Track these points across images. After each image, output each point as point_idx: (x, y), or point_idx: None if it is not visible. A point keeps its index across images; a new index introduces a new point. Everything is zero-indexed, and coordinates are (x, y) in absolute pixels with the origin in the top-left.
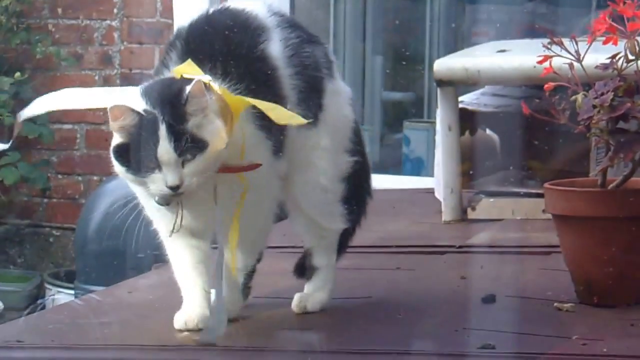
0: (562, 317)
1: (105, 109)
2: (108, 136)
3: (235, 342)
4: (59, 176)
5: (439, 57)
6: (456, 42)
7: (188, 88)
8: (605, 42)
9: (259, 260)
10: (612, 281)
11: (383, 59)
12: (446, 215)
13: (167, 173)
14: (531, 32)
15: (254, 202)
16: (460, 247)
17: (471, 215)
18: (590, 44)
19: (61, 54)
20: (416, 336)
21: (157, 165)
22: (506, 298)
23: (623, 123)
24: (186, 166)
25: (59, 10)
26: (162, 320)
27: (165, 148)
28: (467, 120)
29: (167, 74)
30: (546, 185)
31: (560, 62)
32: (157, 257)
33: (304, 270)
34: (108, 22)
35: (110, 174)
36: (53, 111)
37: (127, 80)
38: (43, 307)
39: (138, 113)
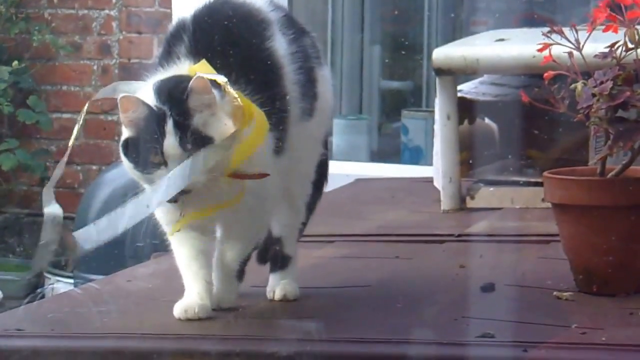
0: (562, 305)
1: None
2: (107, 125)
3: (233, 331)
4: None
5: (437, 46)
6: (455, 32)
7: (190, 83)
8: (604, 31)
9: (254, 249)
10: (611, 270)
11: (381, 48)
12: (445, 204)
13: (172, 168)
14: (530, 21)
15: (256, 201)
16: (459, 235)
17: (470, 204)
18: (590, 32)
19: (58, 42)
20: (415, 325)
21: (164, 161)
22: (505, 287)
23: (622, 112)
24: (188, 163)
25: (56, 0)
26: (161, 309)
27: (171, 143)
28: (465, 109)
29: (174, 67)
30: (545, 174)
31: (559, 50)
32: (157, 246)
33: (266, 257)
34: (106, 11)
35: (109, 163)
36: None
37: (126, 70)
38: (42, 296)
39: (148, 106)
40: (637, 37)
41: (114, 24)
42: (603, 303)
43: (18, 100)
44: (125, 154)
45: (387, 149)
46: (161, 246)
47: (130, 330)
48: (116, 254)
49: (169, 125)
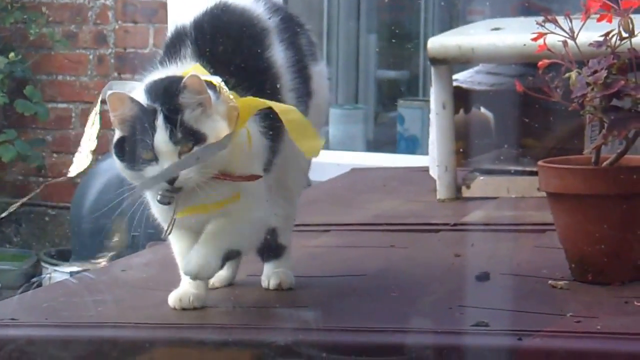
0: (557, 294)
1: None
2: (103, 115)
3: (229, 319)
4: (54, 155)
5: (434, 35)
6: (451, 21)
7: (184, 80)
8: (599, 20)
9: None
10: (606, 259)
11: (377, 38)
12: (441, 194)
13: (163, 164)
14: (526, 10)
15: (250, 203)
16: (454, 225)
17: (466, 193)
18: (584, 21)
19: (55, 35)
20: (410, 313)
21: (154, 157)
22: (500, 276)
23: (617, 100)
24: (183, 158)
25: None
26: (156, 299)
27: (162, 137)
28: (461, 98)
29: (171, 69)
30: (540, 163)
31: (554, 39)
32: (152, 236)
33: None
34: (102, 1)
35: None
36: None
37: (122, 59)
38: (39, 285)
39: (137, 102)
40: (631, 26)
41: (109, 14)
42: (598, 292)
43: (13, 90)
44: (117, 154)
45: (383, 139)
46: (156, 236)
47: (125, 320)
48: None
49: (160, 121)
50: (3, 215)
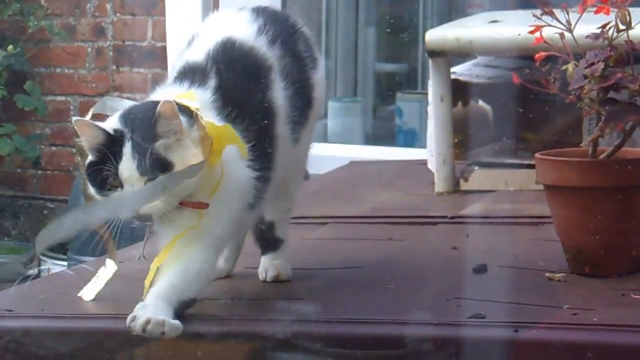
0: (554, 287)
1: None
2: None
3: (226, 311)
4: (53, 148)
5: (432, 29)
6: (450, 14)
7: (158, 108)
8: (596, 12)
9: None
10: (603, 251)
11: (376, 30)
12: (439, 187)
13: (128, 191)
14: (524, 3)
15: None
16: (452, 217)
17: (464, 186)
18: (582, 13)
19: (54, 28)
20: (407, 305)
21: (120, 184)
22: (498, 268)
23: (614, 93)
24: (147, 186)
25: None
26: None
27: (127, 165)
28: (459, 91)
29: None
30: (537, 155)
31: (551, 32)
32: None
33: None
34: None
35: None
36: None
37: (120, 52)
38: (37, 276)
39: (103, 130)
40: (628, 18)
41: (108, 6)
42: (595, 284)
43: (12, 83)
44: (88, 177)
45: (382, 132)
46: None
47: (122, 311)
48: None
49: (127, 148)
50: None
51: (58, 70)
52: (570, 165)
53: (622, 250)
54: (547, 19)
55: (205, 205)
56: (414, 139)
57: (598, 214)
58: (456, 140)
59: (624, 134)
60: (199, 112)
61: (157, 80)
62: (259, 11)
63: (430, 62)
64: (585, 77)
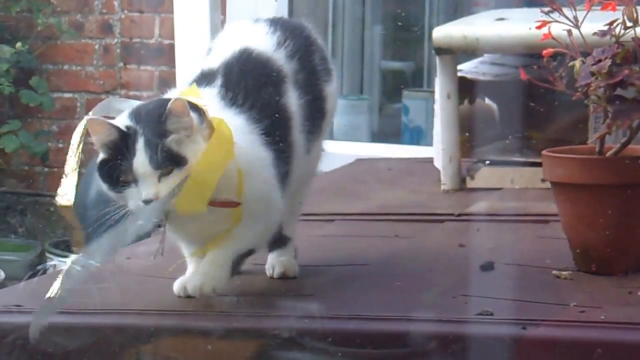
0: (560, 284)
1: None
2: None
3: (235, 307)
4: (59, 145)
5: (438, 26)
6: (456, 12)
7: (169, 105)
8: (603, 9)
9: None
10: (609, 249)
11: (382, 28)
12: (445, 184)
13: (142, 186)
14: (530, 1)
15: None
16: (458, 215)
17: (470, 184)
18: (589, 10)
19: (62, 25)
20: (414, 302)
21: (134, 179)
22: (504, 266)
23: (621, 90)
24: (162, 181)
25: None
26: (161, 286)
27: (141, 160)
28: (466, 89)
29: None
30: (544, 152)
31: (558, 29)
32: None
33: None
34: None
35: None
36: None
37: (128, 49)
38: (44, 272)
39: (117, 128)
40: (635, 15)
41: (115, 3)
42: (602, 282)
43: (19, 80)
44: (100, 176)
45: (388, 129)
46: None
47: (130, 307)
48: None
49: (140, 144)
50: None
51: (65, 67)
52: (577, 162)
53: (629, 247)
54: (554, 15)
55: (235, 204)
56: (420, 136)
57: (605, 212)
58: (463, 139)
59: (631, 132)
60: (206, 111)
61: (164, 78)
62: (276, 22)
63: (437, 59)
64: (592, 74)
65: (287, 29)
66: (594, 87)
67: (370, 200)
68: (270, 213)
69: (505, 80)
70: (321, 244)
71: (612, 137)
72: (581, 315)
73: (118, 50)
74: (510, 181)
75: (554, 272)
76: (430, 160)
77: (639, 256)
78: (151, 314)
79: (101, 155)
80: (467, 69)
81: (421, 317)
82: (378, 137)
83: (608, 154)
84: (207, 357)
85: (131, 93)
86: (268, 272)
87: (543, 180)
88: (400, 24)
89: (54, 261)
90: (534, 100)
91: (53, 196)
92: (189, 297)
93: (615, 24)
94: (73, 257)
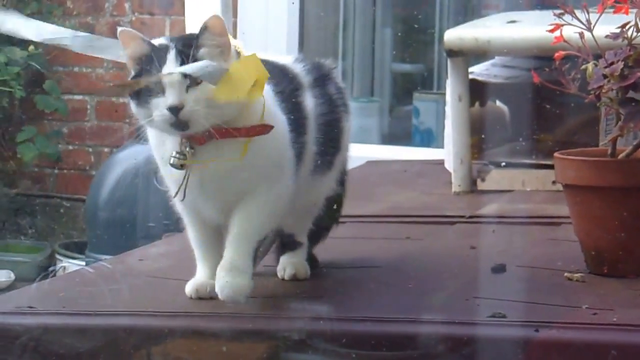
0: (572, 286)
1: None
2: (118, 108)
3: (246, 309)
4: (70, 147)
5: (449, 29)
6: (466, 15)
7: (206, 20)
8: (615, 12)
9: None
10: (621, 251)
11: (393, 31)
12: (456, 186)
13: (169, 94)
14: (540, 4)
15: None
16: (470, 217)
17: (481, 186)
18: (601, 13)
19: (73, 27)
20: (426, 305)
21: (162, 89)
22: (516, 268)
23: (633, 92)
24: (190, 91)
25: None
26: (172, 288)
27: (169, 67)
28: (477, 91)
29: None
30: (556, 154)
31: (570, 31)
32: (168, 227)
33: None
34: None
35: (120, 145)
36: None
37: None
38: (54, 275)
39: (148, 42)
40: None
41: (126, 5)
42: (613, 284)
43: (30, 83)
44: (130, 95)
45: (399, 132)
46: (172, 227)
47: (141, 308)
48: (127, 235)
49: (171, 55)
50: None
51: (76, 69)
52: (589, 164)
53: None
54: (566, 18)
55: (269, 128)
56: (430, 139)
57: (617, 214)
58: (473, 141)
59: None
60: (241, 48)
61: None
62: (300, 59)
63: (448, 61)
64: (605, 76)
65: (309, 65)
66: (607, 89)
67: (381, 202)
68: (283, 180)
69: (516, 82)
70: (332, 246)
71: (623, 140)
72: (593, 317)
73: None
74: (522, 183)
75: (565, 274)
76: (441, 163)
77: None
78: (163, 315)
79: (132, 72)
80: (478, 71)
81: (433, 319)
82: (389, 139)
83: (620, 156)
84: (219, 359)
85: None
86: (279, 274)
87: (554, 183)
88: (410, 26)
89: (63, 263)
90: (545, 103)
91: (63, 198)
92: (200, 299)
93: (627, 27)
94: None
